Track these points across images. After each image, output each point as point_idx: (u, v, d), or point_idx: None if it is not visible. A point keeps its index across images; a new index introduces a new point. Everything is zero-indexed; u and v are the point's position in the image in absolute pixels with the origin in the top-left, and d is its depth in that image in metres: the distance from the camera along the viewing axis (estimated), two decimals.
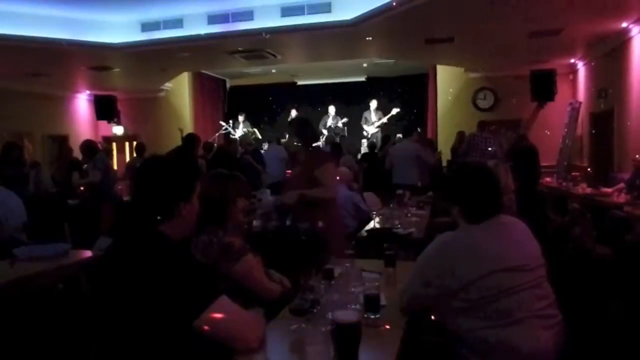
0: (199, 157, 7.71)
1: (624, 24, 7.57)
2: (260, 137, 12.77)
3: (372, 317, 2.05)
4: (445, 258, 2.02)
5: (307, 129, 4.21)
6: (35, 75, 10.31)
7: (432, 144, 10.22)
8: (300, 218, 3.82)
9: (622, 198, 6.19)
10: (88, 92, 13.22)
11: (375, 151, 9.95)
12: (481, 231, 2.05)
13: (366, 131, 12.47)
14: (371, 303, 2.08)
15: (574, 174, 8.74)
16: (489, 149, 8.18)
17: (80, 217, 5.73)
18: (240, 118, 13.01)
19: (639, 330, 2.34)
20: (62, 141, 12.35)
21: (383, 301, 2.19)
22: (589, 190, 7.23)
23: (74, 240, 4.53)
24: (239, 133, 12.66)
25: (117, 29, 8.93)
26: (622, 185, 6.64)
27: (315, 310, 2.04)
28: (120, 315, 1.67)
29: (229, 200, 2.41)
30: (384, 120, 12.25)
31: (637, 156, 6.56)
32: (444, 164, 10.11)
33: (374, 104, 12.55)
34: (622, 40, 7.98)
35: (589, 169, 9.27)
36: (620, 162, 8.16)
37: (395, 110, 12.19)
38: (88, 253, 3.78)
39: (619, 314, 2.46)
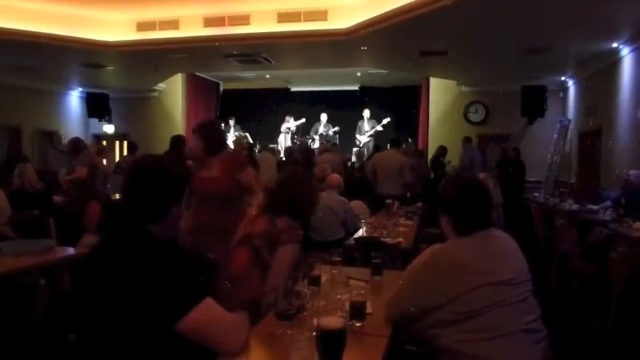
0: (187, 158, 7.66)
1: (615, 44, 7.68)
2: (251, 141, 12.76)
3: (358, 324, 2.05)
4: (434, 270, 2.02)
5: (213, 133, 3.84)
6: (28, 70, 10.24)
7: (422, 156, 10.26)
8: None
9: (608, 215, 6.25)
10: (80, 89, 13.14)
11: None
12: (470, 244, 2.05)
13: (358, 140, 12.51)
14: (357, 310, 2.07)
15: (561, 190, 8.83)
16: (478, 161, 8.27)
17: (65, 214, 5.68)
18: (231, 122, 12.99)
19: (621, 344, 2.36)
20: (50, 136, 12.26)
21: (369, 309, 2.19)
22: (575, 206, 7.29)
23: (58, 236, 4.48)
24: (230, 137, 12.64)
25: (112, 27, 8.91)
26: (609, 202, 6.70)
27: (300, 316, 2.03)
28: (104, 314, 1.65)
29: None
30: (378, 127, 12.28)
31: (624, 171, 6.62)
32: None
33: (367, 113, 12.60)
34: (613, 60, 8.09)
35: (576, 186, 9.38)
36: (607, 180, 8.25)
37: (386, 120, 12.23)
38: (72, 250, 3.75)
39: (599, 326, 2.48)
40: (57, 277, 3.34)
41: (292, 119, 13.14)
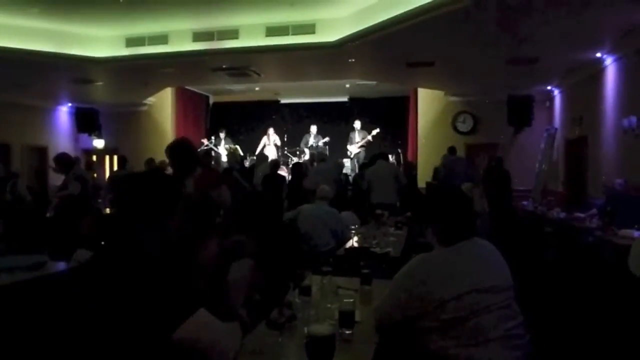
0: None
1: (598, 54, 7.83)
2: (242, 153, 12.79)
3: (347, 332, 2.10)
4: (419, 278, 2.08)
5: (183, 153, 3.86)
6: (17, 86, 10.25)
7: (407, 165, 10.34)
8: None
9: (594, 223, 6.34)
10: (70, 104, 13.13)
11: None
12: (455, 253, 2.12)
13: (349, 151, 12.59)
14: (346, 319, 2.12)
15: (549, 198, 8.94)
16: (461, 171, 8.35)
17: (57, 229, 5.68)
18: (222, 134, 13.03)
19: (604, 350, 2.43)
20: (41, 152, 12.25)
21: (358, 317, 2.24)
22: (563, 214, 7.39)
23: (50, 252, 4.49)
24: (221, 149, 12.68)
25: (101, 43, 8.96)
26: (594, 210, 6.80)
27: (291, 325, 2.08)
28: (98, 327, 1.69)
29: None
30: (369, 138, 12.37)
31: (605, 179, 6.70)
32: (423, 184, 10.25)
33: (357, 124, 12.69)
34: (597, 70, 8.24)
35: (564, 194, 9.49)
36: (593, 188, 8.37)
37: (375, 131, 12.34)
38: (64, 265, 3.76)
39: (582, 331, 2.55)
40: (50, 292, 3.35)
41: (272, 131, 13.20)
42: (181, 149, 3.86)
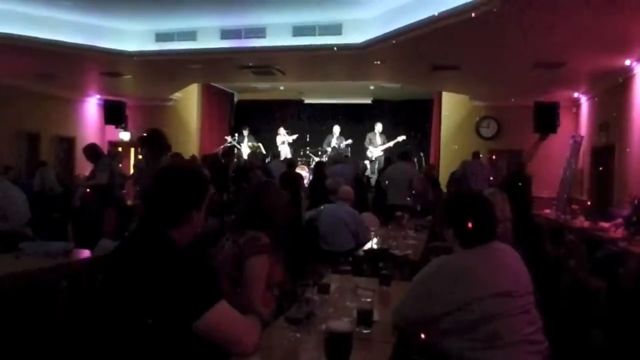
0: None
1: (627, 62, 7.69)
2: (264, 152, 12.88)
3: (365, 331, 2.13)
4: (439, 280, 2.09)
5: (154, 140, 4.35)
6: (48, 77, 10.47)
7: (428, 169, 10.25)
8: None
9: (619, 233, 6.23)
10: (98, 96, 13.38)
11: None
12: (474, 256, 2.13)
13: (371, 152, 12.58)
14: (364, 317, 2.15)
15: (573, 206, 8.80)
16: (484, 176, 8.28)
17: (82, 218, 5.81)
18: (245, 132, 13.13)
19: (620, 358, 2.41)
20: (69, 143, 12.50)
21: (376, 317, 2.26)
22: (586, 223, 7.28)
23: (75, 240, 4.61)
24: (244, 147, 12.78)
25: (132, 38, 9.11)
26: (620, 220, 6.69)
27: (310, 322, 2.11)
28: (122, 315, 1.74)
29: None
30: (390, 144, 12.36)
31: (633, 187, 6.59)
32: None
33: (379, 127, 12.68)
34: (625, 77, 8.10)
35: (588, 203, 9.34)
36: (619, 198, 8.23)
37: (401, 138, 12.32)
38: (89, 253, 3.86)
39: (600, 340, 2.53)
40: (76, 279, 3.45)
41: (285, 132, 13.27)
42: (151, 137, 4.34)
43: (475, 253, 2.13)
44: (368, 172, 11.67)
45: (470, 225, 2.17)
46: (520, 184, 7.08)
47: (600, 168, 9.21)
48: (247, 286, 2.50)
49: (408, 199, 7.74)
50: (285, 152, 12.98)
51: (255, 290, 2.49)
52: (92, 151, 6.30)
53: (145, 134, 4.44)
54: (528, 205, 7.44)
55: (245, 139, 13.03)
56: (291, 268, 2.96)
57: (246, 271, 2.51)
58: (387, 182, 8.10)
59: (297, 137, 13.30)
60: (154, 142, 4.30)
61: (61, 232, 4.60)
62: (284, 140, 13.22)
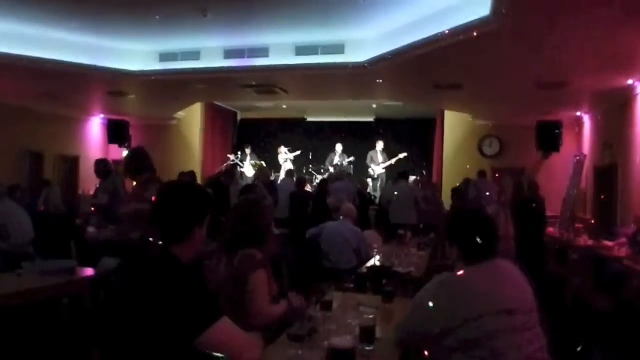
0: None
1: (630, 81, 7.72)
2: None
3: (367, 348, 2.11)
4: (441, 297, 2.08)
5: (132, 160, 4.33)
6: (52, 97, 10.55)
7: (432, 189, 10.24)
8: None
9: (623, 252, 6.20)
10: (102, 115, 13.47)
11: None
12: (476, 272, 2.13)
13: (373, 170, 12.59)
14: (367, 334, 2.14)
15: (577, 225, 8.77)
16: (488, 194, 8.28)
17: (85, 237, 5.79)
18: (247, 150, 13.17)
19: None
20: (73, 162, 12.56)
21: (378, 334, 2.25)
22: (590, 242, 7.25)
23: (79, 258, 4.60)
24: (246, 165, 12.80)
25: (136, 57, 9.19)
26: (624, 240, 6.66)
27: (312, 338, 2.10)
28: (125, 331, 1.73)
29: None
30: (392, 162, 12.39)
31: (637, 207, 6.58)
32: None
33: (380, 145, 12.71)
34: (628, 97, 8.12)
35: (592, 222, 9.30)
36: (623, 217, 8.20)
37: (402, 155, 12.34)
38: (92, 271, 3.85)
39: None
40: (78, 297, 3.44)
41: (286, 150, 13.31)
42: (133, 156, 4.37)
43: (477, 269, 2.13)
44: (370, 190, 11.67)
45: (472, 241, 2.17)
46: (534, 204, 7.07)
47: (603, 196, 9.16)
48: (254, 300, 2.51)
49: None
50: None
51: (262, 299, 2.52)
52: (101, 168, 6.16)
53: (129, 154, 4.45)
54: (542, 226, 7.42)
55: (248, 157, 13.07)
56: (294, 286, 2.96)
57: (249, 287, 2.52)
58: (388, 201, 8.10)
59: (300, 155, 13.32)
60: (137, 163, 4.25)
61: (64, 251, 4.60)
62: (286, 158, 13.26)
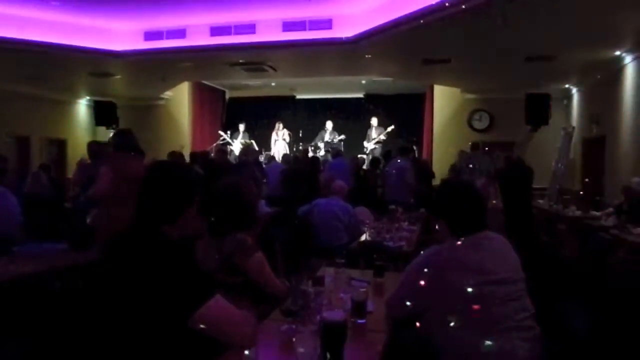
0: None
1: (617, 52, 7.74)
2: (257, 148, 12.84)
3: (359, 321, 2.14)
4: (430, 270, 2.10)
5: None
6: (37, 79, 10.40)
7: (424, 166, 10.24)
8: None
9: (610, 222, 6.30)
10: (88, 97, 13.31)
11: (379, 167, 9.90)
12: (465, 245, 2.14)
13: (365, 147, 12.58)
14: (358, 308, 2.16)
15: (565, 197, 8.87)
16: (479, 167, 8.31)
17: (75, 220, 5.78)
18: (241, 127, 13.07)
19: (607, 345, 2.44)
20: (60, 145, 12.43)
21: (370, 308, 2.28)
22: (578, 213, 7.35)
23: (69, 241, 4.58)
24: (236, 144, 12.74)
25: (120, 37, 9.06)
26: (610, 209, 6.76)
27: (305, 313, 2.12)
28: (118, 311, 1.74)
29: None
30: (382, 137, 12.37)
31: (633, 179, 6.62)
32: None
33: (374, 121, 12.67)
34: (616, 68, 8.15)
35: (580, 193, 9.40)
36: (611, 188, 8.29)
37: (390, 128, 12.32)
38: (83, 254, 3.84)
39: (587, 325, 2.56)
40: (70, 280, 3.44)
41: (281, 126, 13.20)
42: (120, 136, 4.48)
43: (466, 242, 2.15)
44: (366, 166, 11.67)
45: (457, 213, 2.19)
46: (521, 175, 7.11)
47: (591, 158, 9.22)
48: (268, 281, 2.48)
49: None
50: (279, 149, 12.94)
51: (270, 278, 2.50)
52: (90, 150, 6.07)
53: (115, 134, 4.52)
54: (528, 197, 7.47)
55: (240, 135, 12.99)
56: (286, 263, 2.96)
57: (252, 273, 2.45)
58: (382, 178, 8.11)
59: (290, 133, 13.28)
60: (123, 143, 4.28)
61: (54, 234, 4.58)
62: (282, 134, 13.10)
